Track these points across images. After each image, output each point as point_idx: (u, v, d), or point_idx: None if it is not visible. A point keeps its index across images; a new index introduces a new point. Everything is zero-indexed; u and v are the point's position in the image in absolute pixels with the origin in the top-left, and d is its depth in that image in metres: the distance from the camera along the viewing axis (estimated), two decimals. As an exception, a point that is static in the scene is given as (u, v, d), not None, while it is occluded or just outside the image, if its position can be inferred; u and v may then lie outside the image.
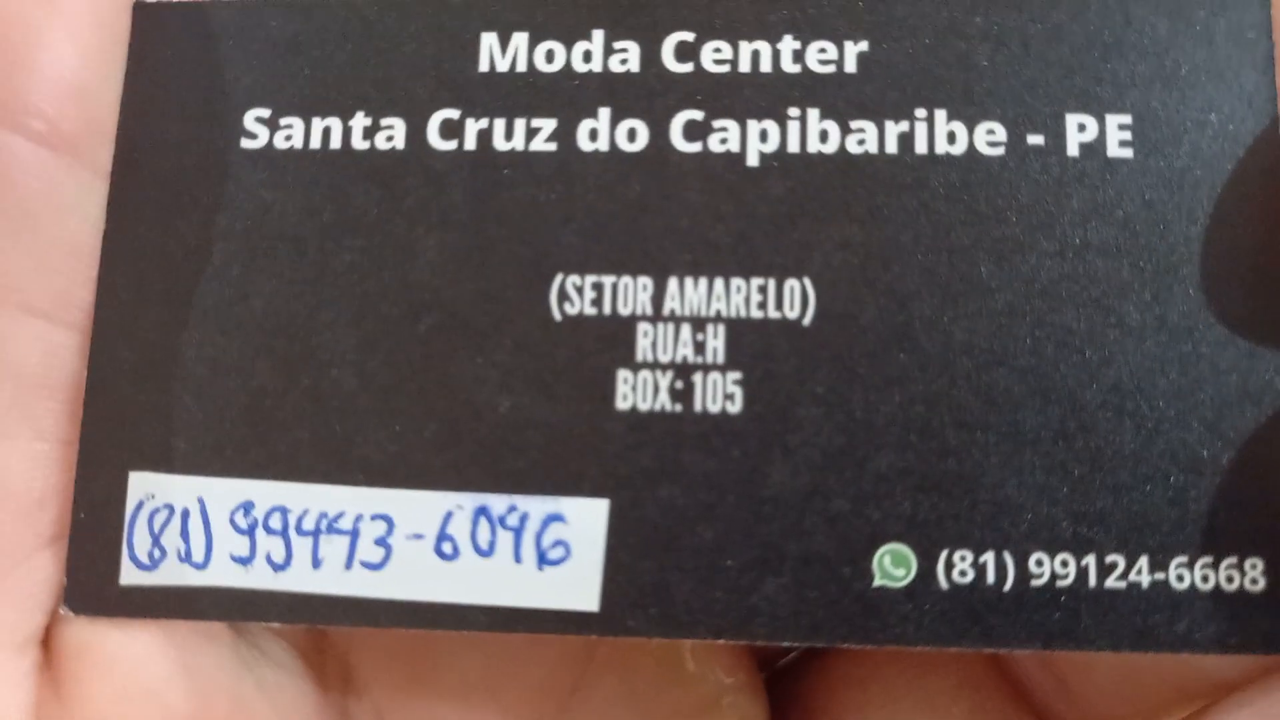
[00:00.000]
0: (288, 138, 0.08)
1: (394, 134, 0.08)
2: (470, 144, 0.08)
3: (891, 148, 0.08)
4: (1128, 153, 0.07)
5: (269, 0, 0.08)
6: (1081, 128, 0.08)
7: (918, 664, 0.09)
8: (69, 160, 0.08)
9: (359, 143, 0.08)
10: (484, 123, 0.08)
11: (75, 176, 0.08)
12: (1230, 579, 0.07)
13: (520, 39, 0.08)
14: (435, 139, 0.08)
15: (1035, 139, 0.08)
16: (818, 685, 0.10)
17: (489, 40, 0.08)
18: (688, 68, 0.08)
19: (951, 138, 0.08)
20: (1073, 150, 0.07)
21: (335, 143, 0.08)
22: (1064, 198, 0.07)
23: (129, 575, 0.08)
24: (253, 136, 0.08)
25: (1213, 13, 0.08)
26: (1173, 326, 0.07)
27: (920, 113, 0.08)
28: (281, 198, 0.08)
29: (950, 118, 0.08)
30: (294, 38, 0.08)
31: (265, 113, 0.08)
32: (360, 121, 0.08)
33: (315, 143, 0.08)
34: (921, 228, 0.07)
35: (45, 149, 0.08)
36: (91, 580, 0.08)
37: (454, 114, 0.08)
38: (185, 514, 0.08)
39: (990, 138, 0.08)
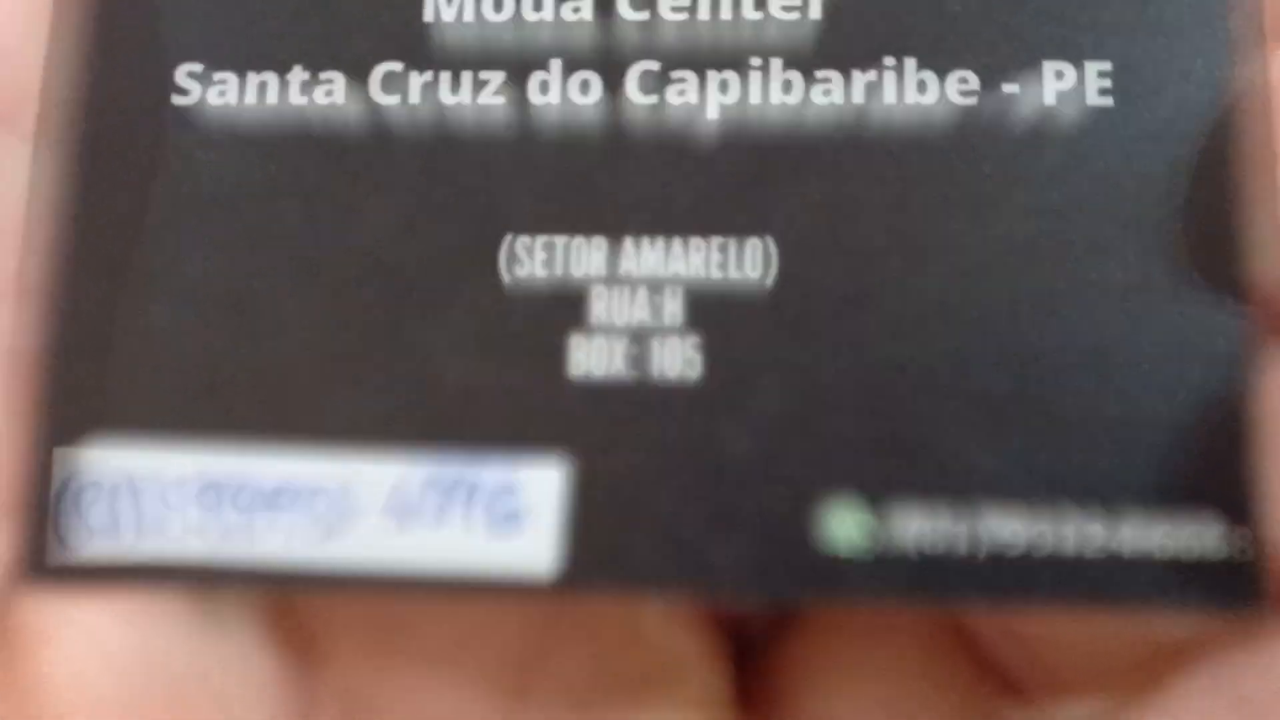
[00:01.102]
0: (221, 94, 0.08)
1: (334, 89, 0.08)
2: (415, 98, 0.07)
3: (858, 99, 0.07)
4: (1108, 101, 0.07)
5: None
6: (1059, 75, 0.07)
7: (880, 631, 0.09)
8: (4, 130, 0.07)
9: (297, 99, 0.08)
10: (429, 75, 0.07)
11: (10, 146, 0.08)
12: (1187, 538, 0.07)
13: None
14: (378, 93, 0.08)
15: (1010, 88, 0.07)
16: (781, 655, 0.10)
17: None
18: (644, 15, 0.07)
19: (921, 88, 0.07)
20: (1050, 99, 0.07)
21: (272, 98, 0.08)
22: (1040, 150, 0.07)
23: (79, 549, 0.07)
24: (185, 93, 0.08)
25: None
26: (1138, 286, 0.07)
27: (889, 61, 0.07)
28: (217, 158, 0.08)
29: (920, 66, 0.07)
30: None
31: (197, 68, 0.08)
32: (298, 76, 0.08)
33: (251, 99, 0.08)
34: (889, 184, 0.07)
35: None
36: (39, 555, 0.07)
37: (398, 66, 0.08)
38: (133, 486, 0.07)
39: (963, 87, 0.07)
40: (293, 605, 0.09)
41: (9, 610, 0.07)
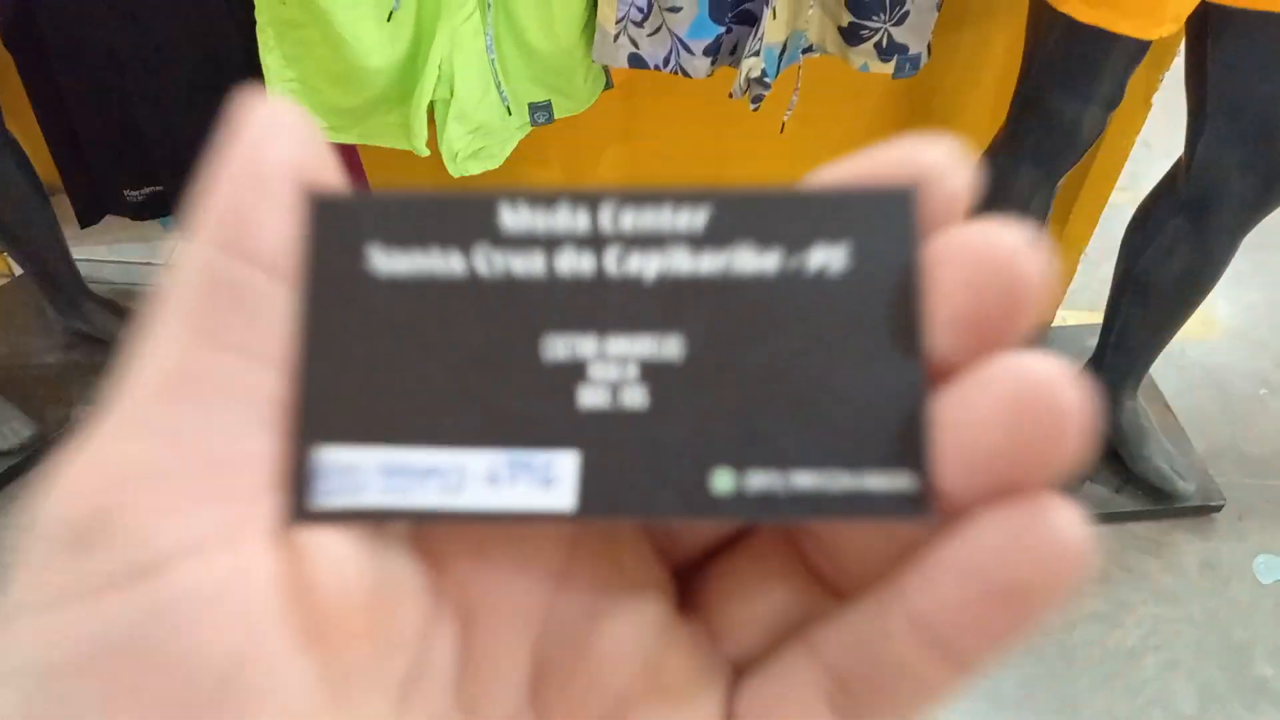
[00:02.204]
0: (390, 260, 0.15)
1: (451, 259, 0.15)
2: (495, 261, 0.15)
3: (725, 263, 0.15)
4: (845, 269, 0.14)
5: (389, 195, 0.15)
6: (824, 249, 0.15)
7: (751, 559, 0.16)
8: (282, 281, 0.14)
9: (433, 262, 0.15)
10: (502, 250, 0.15)
11: (279, 287, 0.14)
12: (896, 483, 0.14)
13: (522, 204, 0.15)
14: (477, 261, 0.15)
15: (798, 256, 0.15)
16: (700, 578, 0.17)
17: (504, 204, 0.15)
18: (614, 216, 0.14)
19: (758, 255, 0.14)
20: (815, 266, 0.15)
21: (420, 263, 0.15)
22: (816, 287, 0.14)
23: (321, 501, 0.14)
24: (369, 260, 0.15)
25: (885, 197, 0.15)
26: (868, 354, 0.14)
27: (741, 243, 0.15)
28: (389, 295, 0.15)
29: (754, 246, 0.15)
30: (392, 204, 0.15)
31: (378, 246, 0.15)
32: (435, 250, 0.15)
33: (407, 263, 0.15)
34: (742, 304, 0.14)
35: (268, 276, 0.14)
36: (301, 505, 0.14)
37: (486, 244, 0.15)
38: (352, 467, 0.14)
39: (774, 256, 0.14)
40: (428, 538, 0.15)
41: (289, 535, 0.14)
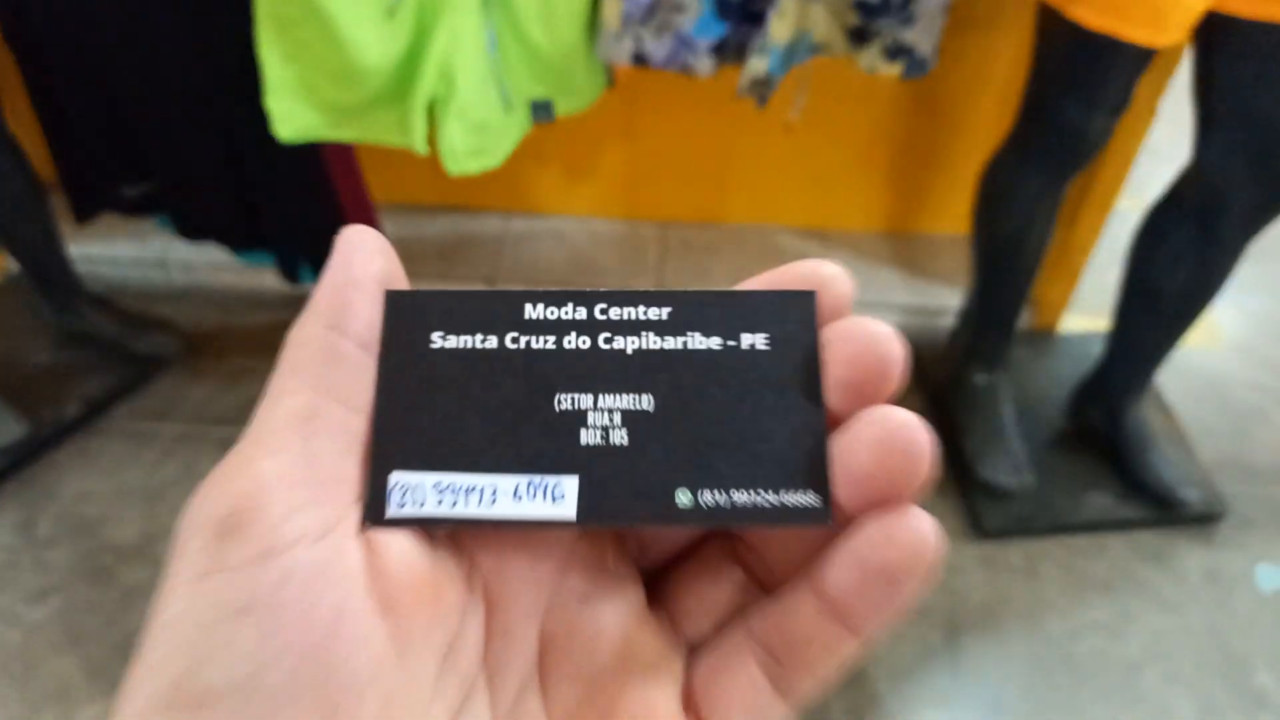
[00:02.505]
0: (445, 340, 0.22)
1: (489, 340, 0.22)
2: (520, 344, 0.22)
3: (682, 343, 0.21)
4: (768, 346, 0.21)
5: (446, 293, 0.22)
6: (749, 335, 0.21)
7: (701, 564, 0.23)
8: (369, 353, 0.21)
9: (476, 343, 0.22)
10: (527, 336, 0.22)
11: (368, 357, 0.21)
12: (807, 499, 0.21)
13: (540, 301, 0.22)
14: (507, 342, 0.22)
15: (732, 341, 0.21)
16: (665, 579, 0.24)
17: (527, 301, 0.22)
18: (603, 308, 0.22)
19: (705, 337, 0.21)
20: (746, 345, 0.21)
21: (466, 343, 0.22)
22: (746, 363, 0.21)
23: (391, 512, 0.21)
24: (433, 342, 0.22)
25: (792, 298, 0.22)
26: (785, 406, 0.21)
27: (692, 334, 0.22)
28: (447, 366, 0.21)
29: (703, 336, 0.21)
30: (451, 300, 0.22)
31: (440, 332, 0.22)
32: (479, 335, 0.22)
33: (460, 343, 0.22)
34: (693, 374, 0.21)
35: (361, 349, 0.21)
36: (373, 514, 0.21)
37: (515, 332, 0.22)
38: (415, 486, 0.21)
39: (718, 341, 0.21)
40: (462, 539, 0.22)
41: (369, 535, 0.21)
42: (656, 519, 0.20)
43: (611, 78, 1.35)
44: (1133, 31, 1.00)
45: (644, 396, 0.21)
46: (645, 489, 0.20)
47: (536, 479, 0.21)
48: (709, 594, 0.22)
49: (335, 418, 0.19)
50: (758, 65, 1.26)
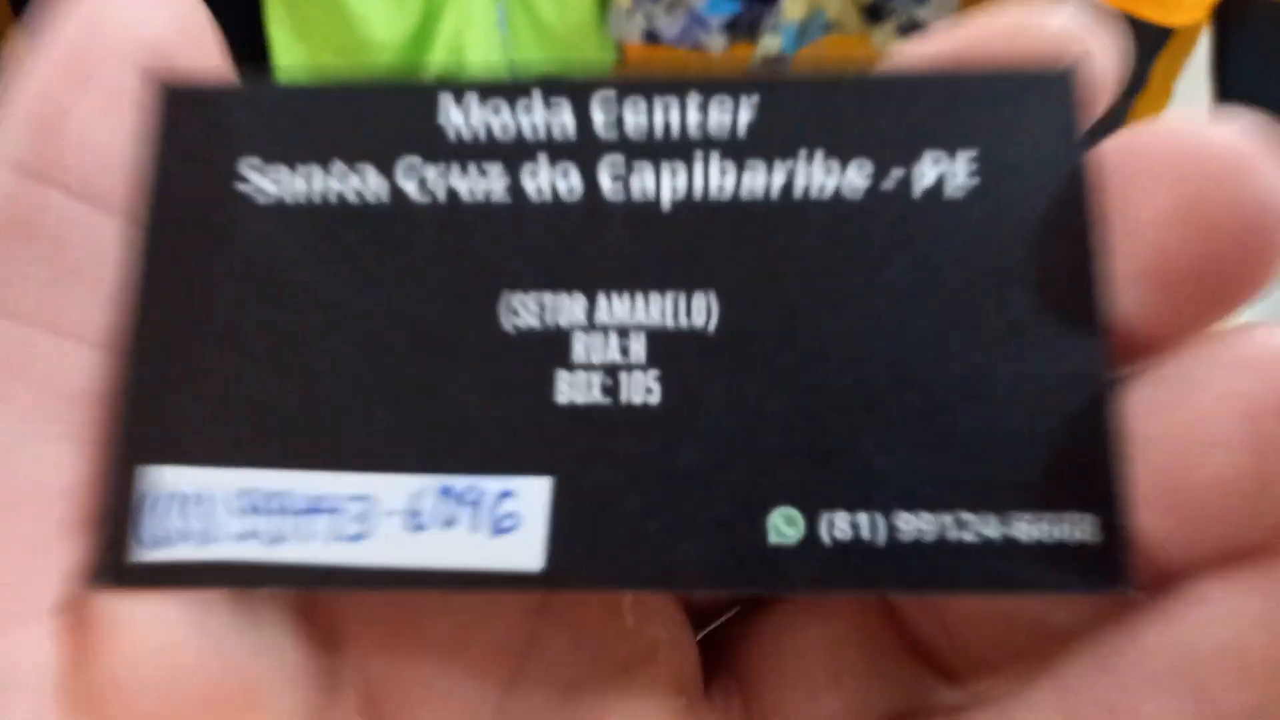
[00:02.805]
0: (275, 181, 0.09)
1: (365, 177, 0.09)
2: (433, 186, 0.09)
3: (778, 182, 0.09)
4: (974, 182, 0.09)
5: (263, 79, 0.10)
6: (936, 161, 0.09)
7: (823, 617, 0.11)
8: (100, 210, 0.09)
9: (335, 185, 0.09)
10: (442, 166, 0.09)
11: (105, 223, 0.09)
12: (1067, 532, 0.09)
13: (472, 97, 0.09)
14: (403, 182, 0.09)
15: (898, 172, 0.09)
16: (742, 639, 0.11)
17: (446, 98, 0.09)
18: (611, 118, 0.09)
19: (828, 172, 0.09)
20: (929, 181, 0.09)
21: (318, 187, 0.09)
22: (920, 221, 0.09)
23: (142, 554, 0.09)
24: (246, 181, 0.09)
25: (1028, 84, 0.09)
26: (1011, 326, 0.09)
27: (803, 153, 0.09)
28: (270, 232, 0.09)
29: (827, 156, 0.09)
30: (279, 95, 0.10)
31: (256, 161, 0.09)
32: (339, 168, 0.09)
33: (300, 187, 0.09)
34: (804, 249, 0.09)
35: (79, 202, 0.09)
36: (110, 558, 0.09)
37: (416, 160, 0.09)
38: (193, 498, 0.09)
39: (861, 171, 0.09)
40: (317, 602, 0.10)
41: (92, 604, 0.09)
42: (721, 578, 0.09)
43: (622, 55, 1.26)
44: (1148, 9, 0.92)
45: (696, 300, 0.08)
46: (697, 508, 0.09)
47: (458, 483, 0.08)
48: (829, 677, 0.11)
49: (24, 358, 0.09)
50: (770, 43, 1.16)
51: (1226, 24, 0.94)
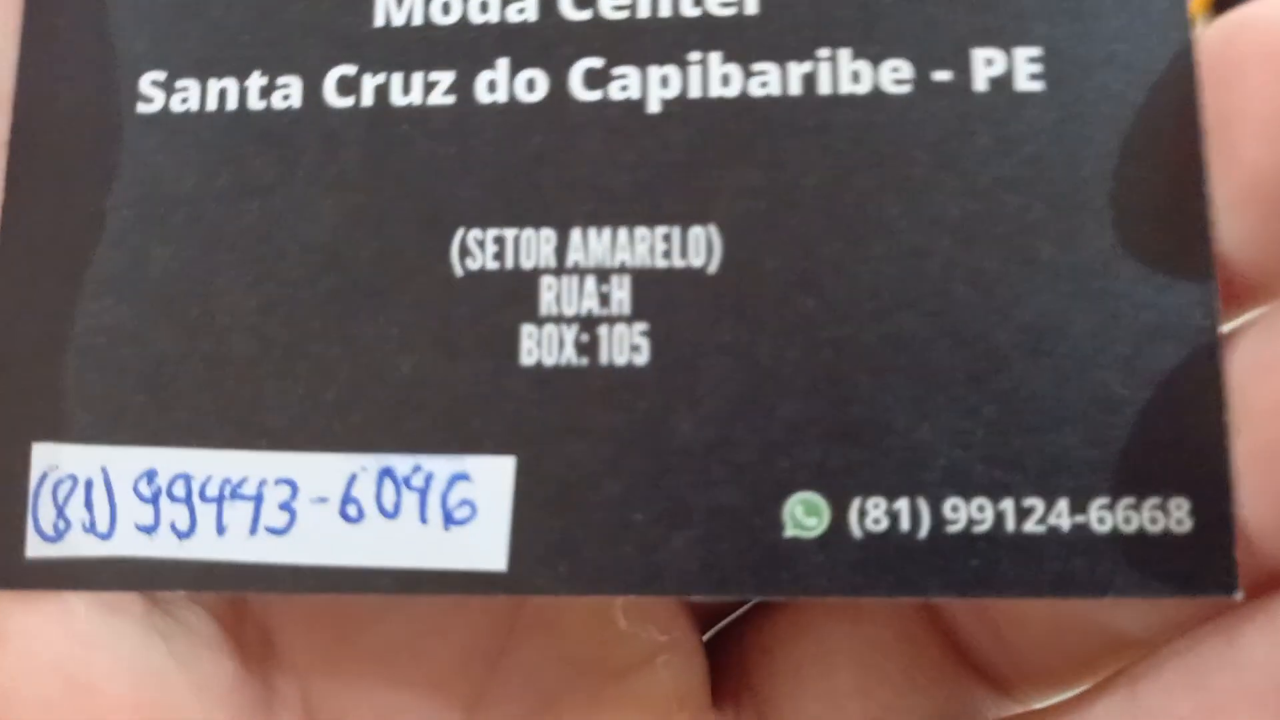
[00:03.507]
0: (183, 100, 0.08)
1: (290, 93, 0.08)
2: (367, 100, 0.08)
3: (795, 89, 0.07)
4: (1037, 86, 0.07)
5: None
6: (989, 62, 0.07)
7: (852, 618, 0.09)
8: None
9: (255, 103, 0.08)
10: (380, 78, 0.08)
11: None
12: (1154, 520, 0.07)
13: None
14: (332, 96, 0.08)
15: (941, 75, 0.07)
16: (756, 642, 0.09)
17: None
18: (586, 15, 0.08)
19: (855, 77, 0.07)
20: (980, 85, 0.07)
21: (231, 104, 0.08)
22: (972, 135, 0.07)
23: (34, 548, 0.07)
24: (148, 100, 0.08)
25: None
26: (1087, 263, 0.07)
27: (823, 53, 0.07)
28: (178, 161, 0.08)
29: (854, 56, 0.07)
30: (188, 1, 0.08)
31: (160, 75, 0.08)
32: (256, 81, 0.08)
33: (211, 105, 0.08)
34: (826, 170, 0.07)
35: None
36: (2, 555, 0.07)
37: (350, 70, 0.08)
38: (89, 484, 0.07)
39: (895, 75, 0.07)
40: (248, 604, 0.08)
41: None
42: (725, 577, 0.07)
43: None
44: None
45: (693, 235, 0.07)
46: (695, 491, 0.07)
47: (400, 462, 0.07)
48: (860, 684, 0.09)
49: None
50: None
51: (1224, 13, 0.93)
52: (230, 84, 0.08)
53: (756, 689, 0.09)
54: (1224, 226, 0.07)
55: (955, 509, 0.07)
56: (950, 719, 0.09)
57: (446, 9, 0.08)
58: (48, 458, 0.07)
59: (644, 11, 0.08)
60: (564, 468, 0.07)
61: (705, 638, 0.10)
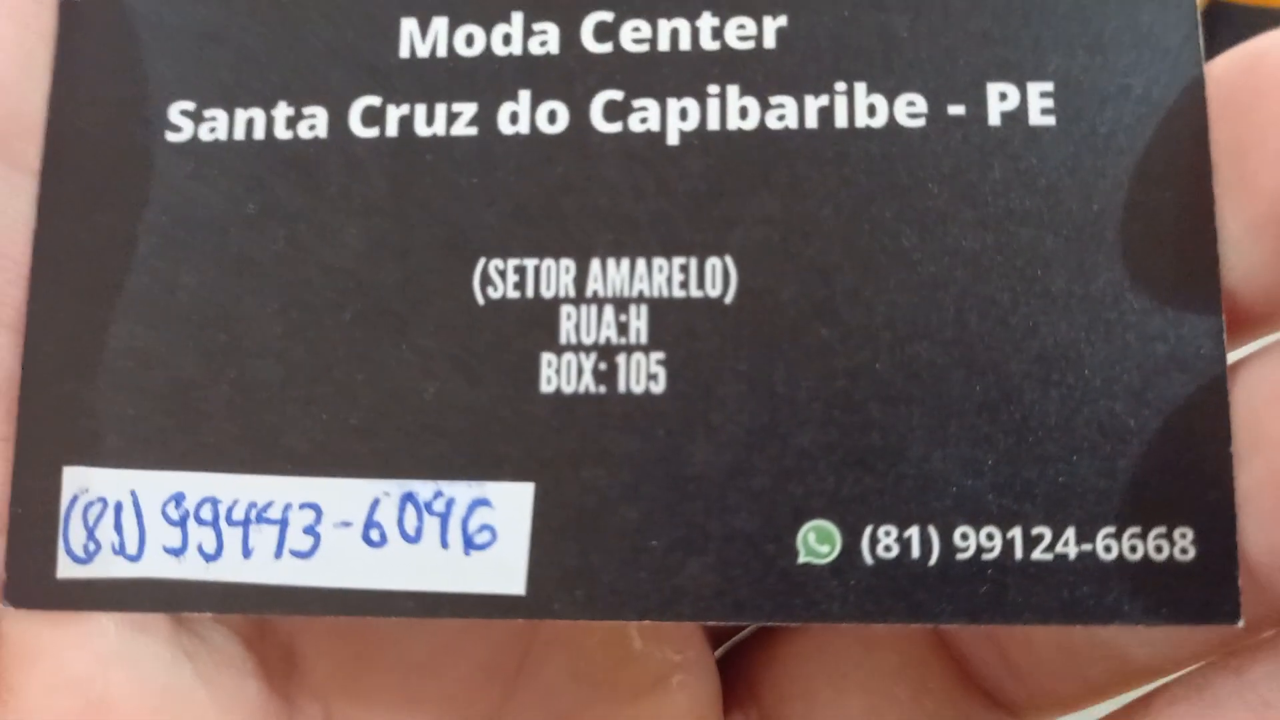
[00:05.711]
0: (212, 130, 0.08)
1: (316, 123, 0.08)
2: (392, 130, 0.08)
3: (811, 122, 0.07)
4: (1050, 120, 0.07)
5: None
6: (1003, 96, 0.07)
7: (863, 642, 0.09)
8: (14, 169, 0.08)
9: (282, 133, 0.08)
10: (405, 109, 0.08)
11: (3, 176, 0.08)
12: (1159, 549, 0.07)
13: (440, 23, 0.08)
14: (357, 126, 0.08)
15: (956, 109, 0.07)
16: (767, 663, 0.10)
17: (409, 25, 0.08)
18: (607, 48, 0.08)
19: (871, 110, 0.07)
20: (994, 120, 0.07)
21: (259, 133, 0.08)
22: (986, 168, 0.07)
23: (65, 569, 0.08)
24: (177, 129, 0.08)
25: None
26: (1098, 295, 0.07)
27: (840, 86, 0.07)
28: (206, 189, 0.08)
29: (870, 90, 0.07)
30: (215, 29, 0.08)
31: (189, 105, 0.08)
32: (283, 111, 0.08)
33: (239, 134, 0.08)
34: (843, 201, 0.07)
35: None
36: (28, 574, 0.08)
37: (375, 101, 0.08)
38: (119, 507, 0.08)
39: (911, 109, 0.07)
40: (272, 623, 0.09)
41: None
42: (740, 603, 0.07)
43: None
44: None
45: (711, 265, 0.07)
46: (710, 518, 0.07)
47: (424, 490, 0.07)
48: (874, 713, 0.09)
49: None
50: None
51: (1210, 29, 0.93)
52: (257, 114, 0.08)
53: (767, 709, 0.10)
54: (1236, 254, 0.07)
55: (965, 537, 0.07)
56: None
57: (470, 41, 0.08)
58: (79, 481, 0.08)
59: (664, 44, 0.08)
60: (582, 494, 0.07)
61: (715, 655, 0.10)
